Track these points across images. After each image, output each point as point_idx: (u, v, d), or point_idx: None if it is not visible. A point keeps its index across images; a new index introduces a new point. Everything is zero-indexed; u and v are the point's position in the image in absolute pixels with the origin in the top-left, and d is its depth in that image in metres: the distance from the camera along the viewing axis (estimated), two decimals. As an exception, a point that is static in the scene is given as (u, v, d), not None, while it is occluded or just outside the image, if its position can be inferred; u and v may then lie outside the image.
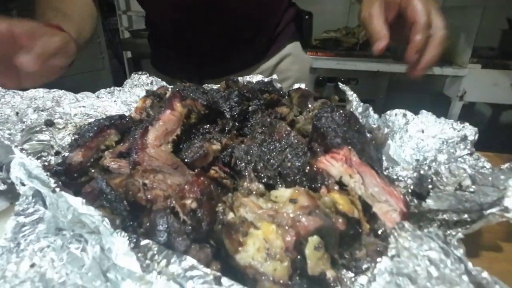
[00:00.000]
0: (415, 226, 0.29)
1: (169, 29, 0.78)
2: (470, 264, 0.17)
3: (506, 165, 0.25)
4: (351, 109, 0.53)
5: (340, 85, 0.58)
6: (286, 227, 0.20)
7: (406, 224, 0.20)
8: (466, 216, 0.26)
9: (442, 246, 0.18)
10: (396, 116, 0.46)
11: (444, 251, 0.17)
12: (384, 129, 0.46)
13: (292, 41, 0.87)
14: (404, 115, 0.45)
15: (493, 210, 0.23)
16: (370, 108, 0.51)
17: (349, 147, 0.28)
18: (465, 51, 1.84)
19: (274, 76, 0.58)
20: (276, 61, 0.85)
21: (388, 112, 0.48)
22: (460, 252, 0.23)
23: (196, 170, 0.27)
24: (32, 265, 0.18)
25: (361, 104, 0.54)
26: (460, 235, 0.23)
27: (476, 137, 0.38)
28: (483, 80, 1.91)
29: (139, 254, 0.19)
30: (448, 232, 0.26)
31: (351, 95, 0.55)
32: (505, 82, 1.89)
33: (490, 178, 0.25)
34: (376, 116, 0.50)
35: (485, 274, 0.17)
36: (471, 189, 0.26)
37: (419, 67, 0.46)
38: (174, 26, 0.76)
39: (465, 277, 0.16)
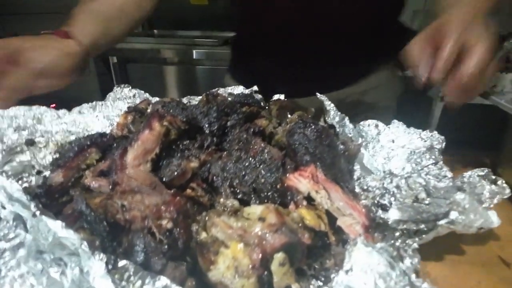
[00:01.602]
0: (381, 235, 0.31)
1: (270, 36, 0.74)
2: (413, 276, 0.19)
3: (457, 180, 0.28)
4: (329, 119, 0.55)
5: (318, 95, 0.60)
6: (253, 246, 0.22)
7: (359, 241, 0.22)
8: (423, 226, 0.28)
9: (390, 261, 0.20)
10: (369, 126, 0.49)
11: (391, 265, 0.19)
12: (359, 139, 0.49)
13: (389, 67, 0.80)
14: (376, 126, 0.48)
15: (442, 222, 0.25)
16: (346, 118, 0.53)
17: (316, 164, 0.30)
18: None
19: (255, 88, 0.60)
20: (366, 87, 0.78)
21: (362, 123, 0.50)
22: (415, 261, 0.25)
23: (172, 190, 0.29)
24: (12, 292, 0.19)
25: (338, 113, 0.56)
26: (415, 245, 0.25)
27: (443, 145, 0.41)
28: (462, 81, 1.97)
29: (116, 276, 0.21)
30: (407, 242, 0.28)
31: (329, 105, 0.57)
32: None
33: (442, 192, 0.27)
34: (351, 126, 0.52)
35: (425, 285, 0.19)
36: (426, 201, 0.28)
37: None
38: (276, 33, 0.72)
39: (408, 288, 0.19)
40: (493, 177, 0.33)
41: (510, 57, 1.99)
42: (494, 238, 0.42)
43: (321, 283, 0.27)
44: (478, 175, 0.33)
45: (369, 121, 0.47)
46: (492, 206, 0.28)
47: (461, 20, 0.42)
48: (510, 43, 1.95)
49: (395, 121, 0.48)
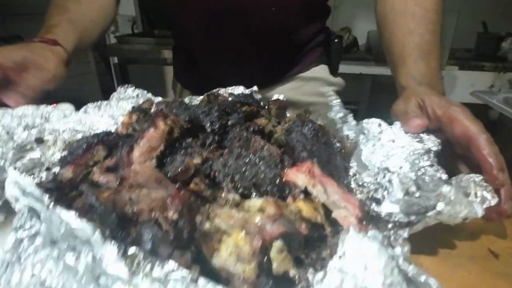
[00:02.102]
0: (375, 227, 0.33)
1: (194, 39, 0.80)
2: (400, 260, 0.21)
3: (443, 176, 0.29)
4: (332, 114, 0.56)
5: (324, 89, 0.61)
6: (253, 234, 0.24)
7: (351, 229, 0.24)
8: (413, 218, 0.30)
9: (379, 247, 0.21)
10: (372, 124, 0.49)
11: (380, 250, 0.21)
12: (360, 136, 0.50)
13: (318, 65, 0.86)
14: (379, 125, 0.49)
15: (430, 213, 0.27)
16: (350, 115, 0.54)
17: (313, 160, 0.32)
18: (443, 53, 1.92)
19: (255, 88, 0.62)
20: (299, 84, 0.85)
21: (365, 120, 0.51)
22: (405, 249, 0.27)
23: (177, 185, 0.30)
24: (33, 275, 0.21)
25: (343, 109, 0.57)
26: (405, 235, 0.27)
27: (439, 148, 0.42)
28: (460, 81, 2.00)
29: (127, 261, 0.22)
30: (398, 232, 0.30)
31: (332, 100, 0.57)
32: (482, 83, 1.98)
33: (430, 185, 0.29)
34: (354, 122, 0.53)
35: (411, 268, 0.21)
36: (417, 195, 0.30)
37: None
38: (199, 35, 0.77)
39: (395, 270, 0.20)
40: (485, 184, 0.34)
41: (508, 57, 2.00)
42: (484, 233, 0.43)
43: (319, 272, 0.29)
44: (473, 181, 0.34)
45: (373, 119, 0.48)
46: (477, 199, 0.30)
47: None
48: (507, 43, 1.97)
49: (398, 122, 0.48)
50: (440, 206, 0.26)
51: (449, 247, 0.40)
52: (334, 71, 0.91)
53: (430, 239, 0.38)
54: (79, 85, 2.51)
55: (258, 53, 0.77)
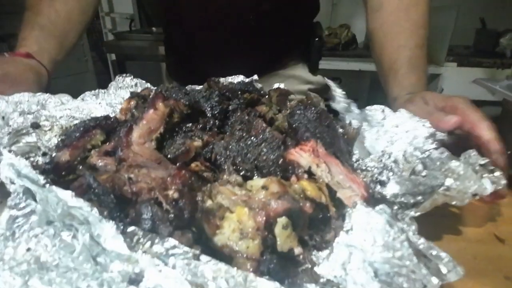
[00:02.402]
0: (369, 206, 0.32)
1: (181, 33, 0.80)
2: (410, 233, 0.20)
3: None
4: (335, 104, 0.56)
5: (327, 80, 0.61)
6: (257, 210, 0.23)
7: (359, 203, 0.23)
8: (420, 197, 0.29)
9: (388, 219, 0.21)
10: (375, 111, 0.49)
11: (389, 223, 0.20)
12: (363, 122, 0.49)
13: (297, 63, 0.87)
14: (383, 111, 0.48)
15: (439, 190, 0.26)
16: (353, 104, 0.54)
17: (317, 140, 0.31)
18: (442, 50, 1.92)
19: (255, 77, 0.61)
20: (278, 80, 0.84)
21: (368, 107, 0.50)
22: (412, 228, 0.26)
23: (177, 164, 0.30)
24: (28, 249, 0.20)
25: (343, 99, 0.56)
26: (412, 213, 0.26)
27: (446, 137, 0.41)
28: (459, 78, 1.99)
29: (126, 238, 0.21)
30: (406, 212, 0.29)
31: (335, 90, 0.57)
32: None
33: (438, 163, 0.28)
34: (357, 111, 0.53)
35: (422, 241, 0.20)
36: (423, 174, 0.29)
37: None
38: (185, 29, 0.78)
39: (405, 244, 0.20)
40: (491, 167, 0.33)
41: (506, 54, 2.00)
42: (489, 218, 0.43)
43: (321, 252, 0.28)
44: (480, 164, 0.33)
45: (376, 106, 0.48)
46: (486, 175, 0.29)
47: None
48: (506, 40, 1.96)
49: (402, 109, 0.48)
50: (449, 181, 0.26)
51: (454, 232, 0.40)
52: (313, 70, 0.91)
53: (435, 223, 0.37)
54: (77, 84, 2.50)
55: (242, 48, 0.78)
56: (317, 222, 0.30)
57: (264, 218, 0.22)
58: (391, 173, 0.32)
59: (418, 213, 0.28)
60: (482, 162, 0.35)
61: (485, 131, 0.39)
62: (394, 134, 0.44)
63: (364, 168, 0.40)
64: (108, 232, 0.21)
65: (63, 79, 2.33)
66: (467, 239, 0.39)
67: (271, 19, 0.76)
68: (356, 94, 2.16)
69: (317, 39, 0.89)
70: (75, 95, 0.54)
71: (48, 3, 0.65)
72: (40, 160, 0.36)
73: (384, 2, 0.66)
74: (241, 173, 0.33)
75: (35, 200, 0.29)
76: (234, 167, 0.34)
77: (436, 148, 0.38)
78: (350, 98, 0.58)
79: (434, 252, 0.20)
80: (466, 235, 0.40)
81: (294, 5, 0.78)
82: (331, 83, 0.59)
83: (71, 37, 0.68)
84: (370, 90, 2.17)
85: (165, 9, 0.82)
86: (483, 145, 0.39)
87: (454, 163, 0.27)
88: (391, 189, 0.31)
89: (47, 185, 0.26)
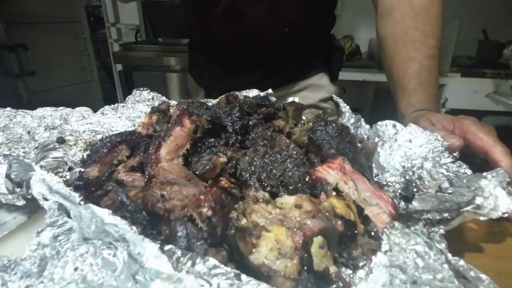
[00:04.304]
0: (404, 225, 0.33)
1: (207, 41, 0.82)
2: (449, 255, 0.21)
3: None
4: (344, 120, 0.57)
5: (334, 97, 0.63)
6: (294, 229, 0.23)
7: (396, 223, 0.23)
8: (446, 214, 0.30)
9: (426, 241, 0.21)
10: (387, 126, 0.49)
11: (428, 245, 0.21)
12: (375, 138, 0.50)
13: (318, 73, 0.89)
14: (394, 126, 0.48)
15: (468, 208, 0.26)
16: (362, 119, 0.55)
17: (343, 157, 0.32)
18: (446, 61, 1.94)
19: (270, 91, 0.62)
20: (298, 88, 0.88)
21: (379, 123, 0.51)
22: (442, 246, 0.26)
23: (209, 181, 0.30)
24: (76, 269, 0.21)
25: (353, 115, 0.58)
26: (441, 231, 0.27)
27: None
28: (463, 88, 2.01)
29: (169, 259, 0.22)
30: (432, 229, 0.29)
31: (344, 107, 0.58)
32: (484, 90, 1.99)
33: (464, 180, 0.29)
34: (367, 126, 0.54)
35: (461, 263, 0.20)
36: (449, 191, 0.30)
37: None
38: (212, 38, 0.80)
39: (445, 266, 0.20)
40: (508, 179, 0.33)
41: (509, 64, 2.01)
42: (509, 234, 0.43)
43: (350, 271, 0.29)
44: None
45: (386, 122, 0.48)
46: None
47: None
48: (509, 51, 1.98)
49: (411, 124, 0.48)
50: (479, 200, 0.26)
51: (475, 249, 0.40)
52: (333, 80, 0.93)
53: (456, 239, 0.37)
54: (82, 93, 2.53)
55: (266, 59, 0.80)
56: (344, 239, 0.30)
57: (302, 237, 0.23)
58: (415, 189, 0.32)
59: (445, 230, 0.28)
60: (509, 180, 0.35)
61: (501, 157, 0.39)
62: (408, 149, 0.44)
63: (385, 183, 0.41)
64: (151, 251, 0.21)
65: (69, 88, 2.36)
66: (489, 256, 0.39)
67: (296, 36, 0.78)
68: (360, 104, 2.17)
69: (338, 53, 0.90)
70: (81, 104, 0.55)
71: None
72: (68, 175, 0.37)
73: (394, 6, 0.65)
74: (267, 189, 0.34)
75: (69, 216, 0.29)
76: (260, 183, 0.34)
77: (453, 162, 0.38)
78: (354, 108, 0.59)
79: (473, 274, 0.20)
80: (488, 251, 0.40)
81: (316, 18, 0.80)
82: (339, 99, 0.60)
83: None
84: (374, 100, 2.18)
85: (187, 19, 0.85)
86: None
87: (483, 182, 0.28)
88: (416, 205, 0.32)
89: (82, 203, 0.27)
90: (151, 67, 2.04)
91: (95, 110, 0.55)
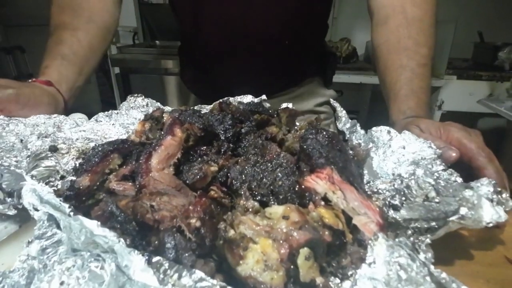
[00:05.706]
0: (394, 234, 0.33)
1: (200, 46, 0.82)
2: (432, 267, 0.21)
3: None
4: (340, 125, 0.57)
5: (332, 101, 0.63)
6: (281, 241, 0.24)
7: (380, 236, 0.23)
8: (434, 223, 0.30)
9: (409, 253, 0.21)
10: (381, 132, 0.49)
11: (411, 257, 0.21)
12: (369, 144, 0.50)
13: (313, 78, 0.90)
14: (389, 132, 0.49)
15: (453, 218, 0.27)
16: (358, 125, 0.55)
17: (332, 166, 0.32)
18: (441, 63, 1.95)
19: (263, 97, 0.62)
20: (293, 95, 0.89)
21: (373, 128, 0.51)
22: (428, 255, 0.27)
23: (198, 192, 0.30)
24: (62, 283, 0.21)
25: (349, 120, 0.58)
26: (428, 240, 0.27)
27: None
28: (459, 90, 2.02)
29: (154, 270, 0.22)
30: (420, 238, 0.30)
31: (341, 111, 0.59)
32: (479, 92, 2.00)
33: (451, 190, 0.29)
34: (362, 131, 0.54)
35: (444, 275, 0.20)
36: (436, 200, 0.30)
37: None
38: (203, 47, 0.80)
39: (428, 278, 0.20)
40: (498, 189, 0.34)
41: (505, 67, 2.03)
42: (499, 241, 0.43)
43: (339, 280, 0.29)
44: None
45: (381, 127, 0.48)
46: (495, 197, 0.30)
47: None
48: (504, 53, 2.00)
49: (406, 131, 0.49)
50: (463, 210, 0.26)
51: (465, 256, 0.40)
52: (327, 84, 0.94)
53: (445, 247, 0.38)
54: (80, 95, 2.53)
55: (261, 66, 0.80)
56: (334, 248, 0.30)
57: (288, 249, 0.23)
58: (403, 198, 0.33)
59: (431, 240, 0.29)
60: (493, 189, 0.35)
61: (485, 163, 0.40)
62: (401, 156, 0.44)
63: (375, 190, 0.41)
64: (137, 264, 0.21)
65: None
66: (479, 263, 0.39)
67: (289, 41, 0.78)
68: (357, 106, 2.18)
69: (331, 55, 0.92)
70: (79, 106, 0.55)
71: (70, 33, 0.67)
72: (59, 184, 0.37)
73: (389, 16, 0.67)
74: (257, 198, 0.34)
75: (58, 226, 0.30)
76: (250, 192, 0.35)
77: (444, 170, 0.39)
78: (351, 110, 0.60)
79: (455, 286, 0.20)
80: (477, 259, 0.40)
81: (309, 26, 0.80)
82: (336, 104, 0.60)
83: (92, 63, 0.70)
84: (371, 102, 2.19)
85: (181, 23, 0.84)
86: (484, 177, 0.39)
87: (468, 192, 0.28)
88: (404, 214, 0.32)
89: (72, 214, 0.27)
90: (148, 70, 2.04)
91: (93, 112, 0.56)
